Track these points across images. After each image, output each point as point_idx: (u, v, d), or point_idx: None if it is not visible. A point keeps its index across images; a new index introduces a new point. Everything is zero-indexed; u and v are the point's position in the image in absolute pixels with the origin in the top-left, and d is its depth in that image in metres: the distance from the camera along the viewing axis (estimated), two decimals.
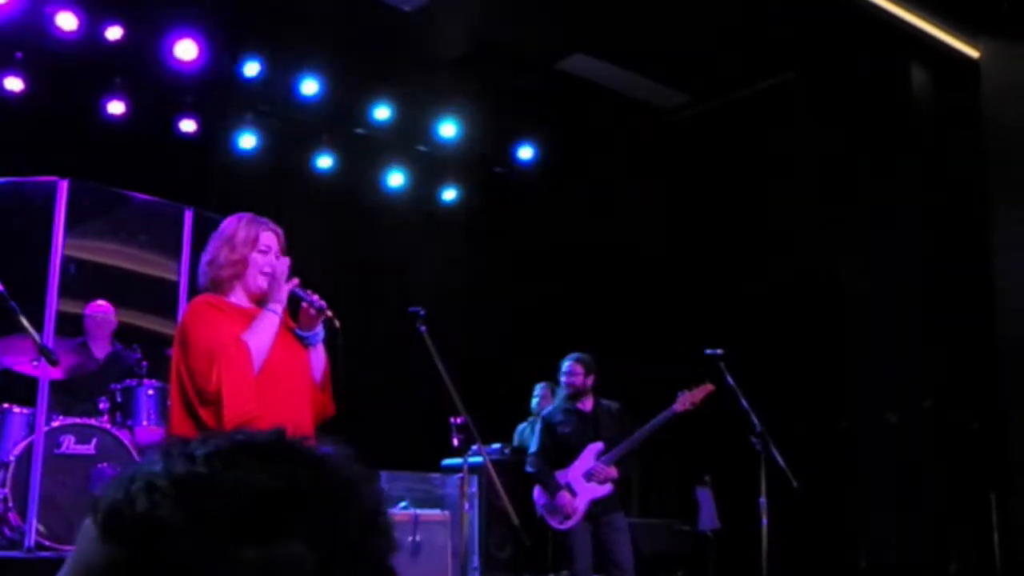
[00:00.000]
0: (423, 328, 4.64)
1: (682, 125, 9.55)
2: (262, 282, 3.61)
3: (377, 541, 0.78)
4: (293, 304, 3.71)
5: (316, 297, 3.63)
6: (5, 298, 4.39)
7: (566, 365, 6.40)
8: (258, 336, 3.48)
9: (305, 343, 3.66)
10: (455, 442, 4.94)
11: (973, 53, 8.06)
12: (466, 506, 5.30)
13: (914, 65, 8.08)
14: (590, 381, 6.36)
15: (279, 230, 3.71)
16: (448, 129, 9.40)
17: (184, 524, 0.73)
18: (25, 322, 4.32)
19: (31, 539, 5.48)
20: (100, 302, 6.93)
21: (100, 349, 6.90)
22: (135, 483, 0.75)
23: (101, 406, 6.31)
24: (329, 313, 3.62)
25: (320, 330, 3.68)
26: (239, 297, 3.61)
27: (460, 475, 5.31)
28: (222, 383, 3.33)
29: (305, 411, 3.60)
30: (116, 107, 8.18)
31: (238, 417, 3.29)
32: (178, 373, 3.46)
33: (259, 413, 3.34)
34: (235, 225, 3.64)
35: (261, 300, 3.64)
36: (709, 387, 6.05)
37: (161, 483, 0.75)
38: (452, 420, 4.94)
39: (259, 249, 3.61)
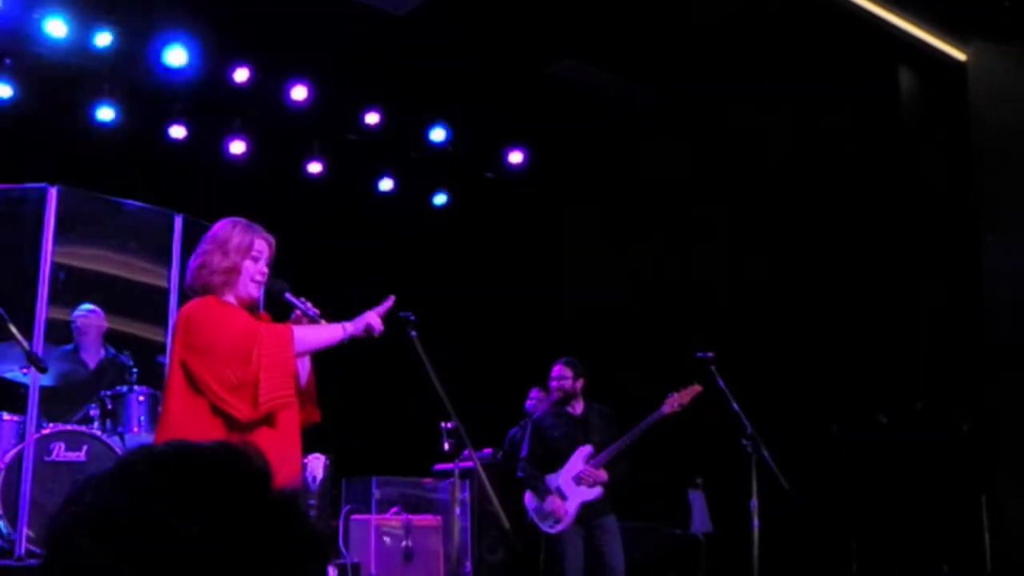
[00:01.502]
0: (413, 333, 4.63)
1: (672, 126, 9.56)
2: (253, 290, 3.59)
3: None
4: (285, 311, 3.71)
5: (310, 305, 3.63)
6: None
7: (555, 369, 6.42)
8: (311, 334, 3.50)
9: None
10: (446, 447, 4.95)
11: (960, 56, 8.09)
12: (457, 511, 5.31)
13: (902, 68, 8.10)
14: (579, 385, 6.37)
15: (271, 238, 3.69)
16: (438, 134, 9.41)
17: (99, 553, 0.74)
18: (13, 329, 4.31)
19: (22, 547, 5.46)
20: (88, 307, 6.91)
21: (91, 355, 6.87)
22: (79, 495, 0.78)
23: (91, 413, 6.29)
24: (322, 322, 3.62)
25: None
26: (229, 300, 3.60)
27: (451, 480, 5.32)
28: (261, 364, 3.32)
29: (294, 418, 3.59)
30: (106, 113, 8.18)
31: (272, 400, 3.29)
32: (185, 372, 3.42)
33: (293, 400, 3.34)
34: (228, 230, 3.61)
35: (251, 307, 3.63)
36: (697, 388, 6.07)
37: (87, 506, 0.77)
38: (443, 425, 4.94)
39: (251, 256, 3.58)
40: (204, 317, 3.46)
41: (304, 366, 3.70)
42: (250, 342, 3.35)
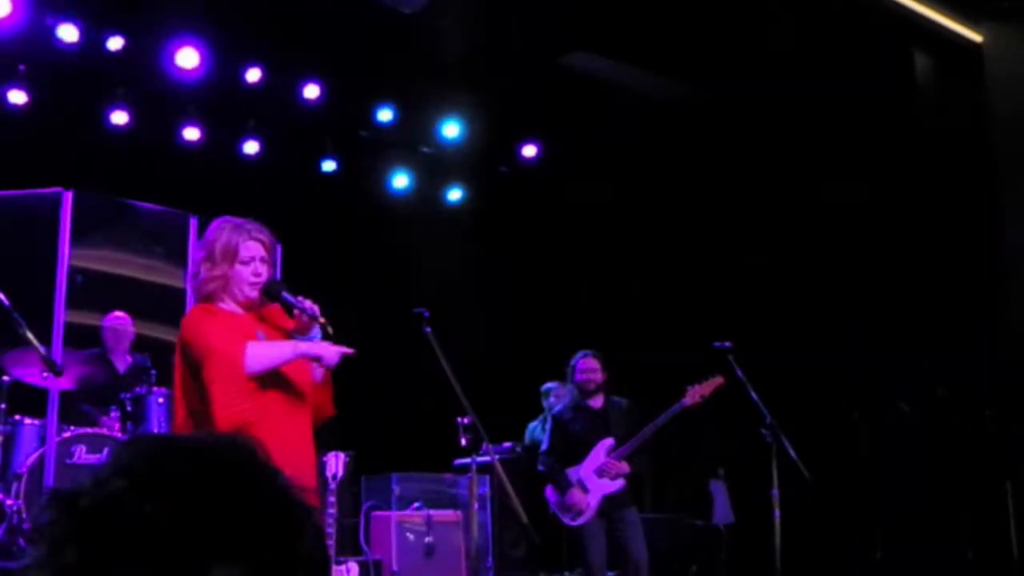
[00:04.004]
0: (428, 329, 4.64)
1: (686, 117, 9.51)
2: (249, 292, 3.58)
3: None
4: (287, 309, 3.71)
5: (308, 304, 3.60)
6: (10, 311, 4.40)
7: (583, 362, 6.35)
8: (265, 350, 3.46)
9: None
10: (463, 442, 4.94)
11: (976, 38, 8.02)
12: (476, 506, 5.30)
13: (917, 51, 8.03)
14: (604, 378, 6.36)
15: (265, 236, 3.65)
16: (451, 129, 9.40)
17: (80, 547, 0.75)
18: (29, 335, 4.33)
19: None
20: (117, 313, 6.96)
21: (120, 360, 6.91)
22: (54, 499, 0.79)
23: (112, 415, 6.33)
24: (321, 320, 3.60)
25: (317, 332, 3.66)
26: (230, 305, 3.62)
27: (470, 475, 5.31)
28: (212, 379, 3.34)
29: (304, 414, 3.60)
30: (119, 117, 8.20)
31: (229, 419, 3.28)
32: (183, 381, 3.50)
33: (254, 418, 3.34)
34: (215, 236, 3.61)
35: (251, 307, 3.63)
36: (719, 380, 6.03)
37: (67, 510, 0.78)
38: (459, 420, 4.94)
39: (240, 260, 3.56)
40: (187, 330, 3.52)
41: None
42: (205, 355, 3.39)
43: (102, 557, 0.73)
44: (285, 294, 3.62)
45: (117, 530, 0.74)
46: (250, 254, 3.58)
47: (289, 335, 3.64)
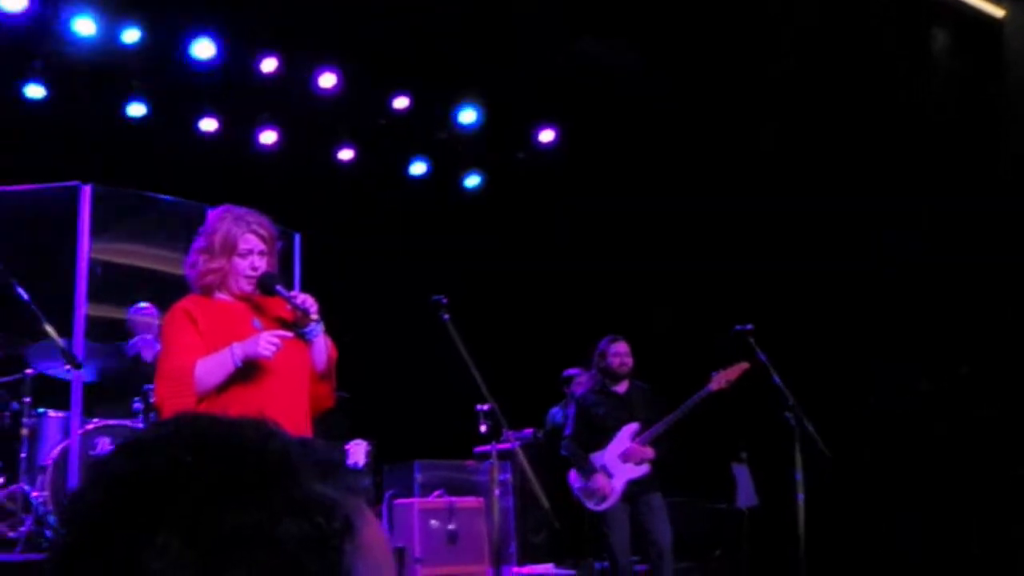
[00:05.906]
0: (446, 316, 4.63)
1: (703, 101, 9.43)
2: (244, 285, 3.58)
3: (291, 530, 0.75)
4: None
5: (301, 299, 3.58)
6: (28, 304, 4.43)
7: (615, 346, 6.32)
8: (210, 366, 3.43)
9: (304, 339, 3.62)
10: (482, 429, 4.95)
11: (997, 13, 7.91)
12: (497, 492, 5.29)
13: (935, 27, 7.93)
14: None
15: (264, 226, 3.64)
16: (468, 116, 9.37)
17: (105, 512, 0.74)
18: (48, 328, 4.35)
19: None
20: (143, 304, 6.97)
21: (148, 350, 6.91)
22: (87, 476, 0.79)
23: (135, 407, 6.35)
24: (314, 316, 3.57)
25: (316, 325, 3.62)
26: (226, 296, 3.63)
27: (492, 461, 5.32)
28: (163, 403, 3.44)
29: (299, 404, 3.58)
30: (136, 109, 8.23)
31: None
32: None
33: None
34: (215, 226, 3.60)
35: (247, 297, 3.62)
36: (744, 365, 5.98)
37: (97, 473, 0.78)
38: (478, 407, 4.94)
39: (239, 254, 3.55)
40: (165, 329, 3.63)
41: (320, 349, 3.66)
42: (160, 373, 3.50)
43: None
44: (279, 288, 3.60)
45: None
46: (248, 247, 3.56)
47: (288, 326, 3.60)
